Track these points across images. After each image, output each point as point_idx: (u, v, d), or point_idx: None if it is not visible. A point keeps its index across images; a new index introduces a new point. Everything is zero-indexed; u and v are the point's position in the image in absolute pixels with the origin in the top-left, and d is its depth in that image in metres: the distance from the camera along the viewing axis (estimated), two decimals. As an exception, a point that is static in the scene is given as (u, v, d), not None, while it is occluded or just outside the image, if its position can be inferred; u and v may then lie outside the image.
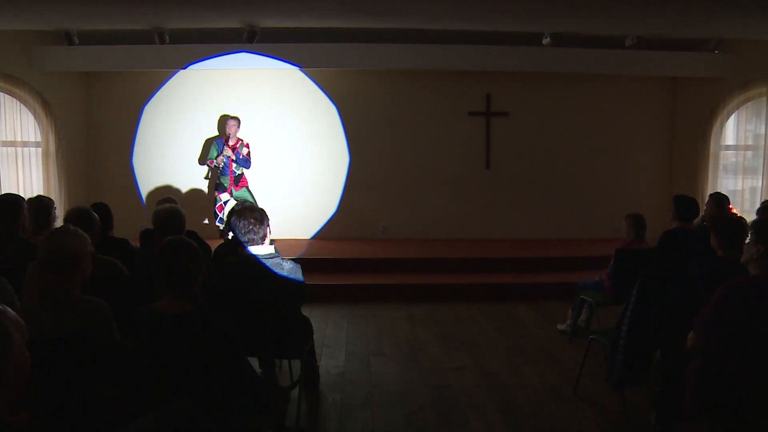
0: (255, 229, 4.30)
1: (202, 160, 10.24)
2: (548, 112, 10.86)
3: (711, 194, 6.65)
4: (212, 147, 9.66)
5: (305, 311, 4.91)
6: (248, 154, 9.69)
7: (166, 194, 10.07)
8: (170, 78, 10.45)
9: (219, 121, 10.42)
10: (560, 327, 6.96)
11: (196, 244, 3.13)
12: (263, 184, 10.42)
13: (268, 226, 4.40)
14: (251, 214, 4.34)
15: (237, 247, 4.52)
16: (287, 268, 4.36)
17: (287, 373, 5.46)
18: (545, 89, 10.80)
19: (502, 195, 10.86)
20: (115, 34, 9.35)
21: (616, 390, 4.55)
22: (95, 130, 10.59)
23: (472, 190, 10.84)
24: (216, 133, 10.49)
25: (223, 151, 9.59)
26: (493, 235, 10.85)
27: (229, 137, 9.69)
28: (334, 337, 6.84)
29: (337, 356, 6.20)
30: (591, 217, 10.87)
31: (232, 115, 10.05)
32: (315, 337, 5.07)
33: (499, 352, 6.33)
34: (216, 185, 9.73)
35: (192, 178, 10.57)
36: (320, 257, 9.16)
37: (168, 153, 10.55)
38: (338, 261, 9.09)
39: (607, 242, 9.44)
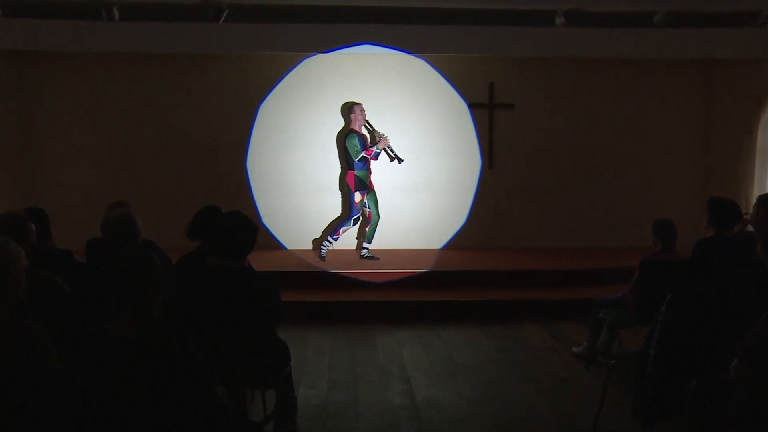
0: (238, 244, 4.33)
1: (345, 156, 9.92)
2: (561, 103, 10.83)
3: (759, 196, 6.60)
4: (354, 138, 9.62)
5: (282, 333, 4.86)
6: None
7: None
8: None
9: (344, 108, 10.39)
10: (576, 350, 6.95)
11: (157, 257, 3.11)
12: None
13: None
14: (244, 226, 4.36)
15: (203, 260, 4.45)
16: (261, 284, 4.35)
17: (260, 405, 5.38)
18: (558, 77, 10.78)
19: (507, 198, 10.84)
20: (51, 6, 9.07)
21: (644, 425, 4.50)
22: (32, 123, 10.46)
23: (472, 193, 10.79)
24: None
25: (381, 139, 9.70)
26: (497, 244, 10.81)
27: (358, 126, 9.81)
28: (314, 362, 6.81)
29: (318, 385, 6.18)
30: (611, 224, 10.85)
31: (356, 101, 10.10)
32: (292, 362, 5.01)
33: (505, 380, 6.32)
34: (355, 181, 9.63)
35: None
36: (304, 270, 9.10)
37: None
38: (319, 275, 9.07)
39: (630, 252, 9.41)
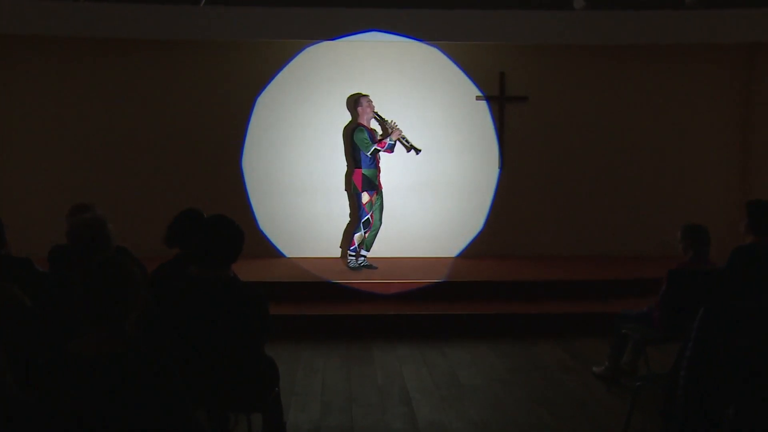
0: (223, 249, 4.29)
1: (352, 153, 9.89)
2: (580, 96, 10.77)
3: None
4: (362, 132, 9.61)
5: (270, 350, 4.82)
6: None
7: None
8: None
9: (350, 101, 10.37)
10: (596, 370, 6.92)
11: (135, 267, 3.11)
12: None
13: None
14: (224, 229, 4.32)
15: (183, 269, 4.41)
16: (247, 296, 4.32)
17: (245, 431, 5.31)
18: (576, 66, 10.73)
19: (518, 201, 10.80)
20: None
21: (674, 455, 4.44)
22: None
23: (479, 196, 10.77)
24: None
25: (394, 130, 9.71)
26: (507, 252, 10.79)
27: (366, 120, 9.82)
28: (305, 383, 6.81)
29: (309, 408, 6.18)
30: (636, 229, 10.80)
31: (363, 93, 10.10)
32: (281, 383, 5.01)
33: (517, 403, 6.32)
34: (363, 180, 9.63)
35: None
36: (291, 281, 9.12)
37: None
38: (312, 286, 9.06)
39: (657, 261, 9.40)
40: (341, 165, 10.50)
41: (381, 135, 9.87)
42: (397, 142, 9.78)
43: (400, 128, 9.79)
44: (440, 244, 10.74)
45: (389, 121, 9.85)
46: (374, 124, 9.94)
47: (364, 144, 9.49)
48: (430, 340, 8.13)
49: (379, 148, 9.55)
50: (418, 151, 9.88)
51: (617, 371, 6.61)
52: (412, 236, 10.67)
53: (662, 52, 10.67)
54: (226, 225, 4.35)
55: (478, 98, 10.63)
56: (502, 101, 10.71)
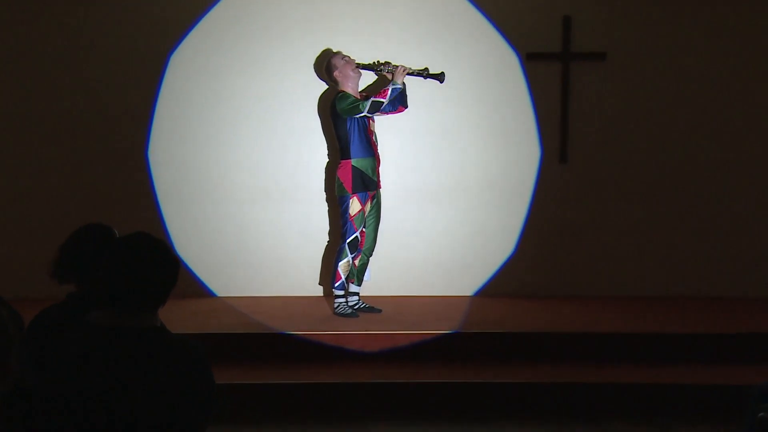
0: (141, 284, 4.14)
1: (336, 133, 9.90)
2: (686, 53, 10.80)
3: None
4: (347, 97, 9.61)
5: None
6: None
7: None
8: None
9: (319, 67, 10.52)
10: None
11: (3, 312, 3.06)
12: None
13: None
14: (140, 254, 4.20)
15: (79, 315, 4.32)
16: (181, 356, 4.16)
17: None
18: (682, 8, 10.73)
19: (588, 213, 10.87)
20: None
21: None
22: None
23: (526, 203, 10.78)
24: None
25: (395, 72, 9.73)
26: (571, 290, 10.87)
27: (351, 86, 9.96)
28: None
29: None
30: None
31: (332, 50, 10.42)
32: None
33: None
34: (353, 176, 9.59)
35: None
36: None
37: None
38: (276, 341, 9.10)
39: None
40: (303, 155, 10.62)
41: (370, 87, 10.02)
42: (405, 84, 9.75)
43: (402, 63, 9.72)
44: (460, 277, 10.84)
45: (383, 64, 9.82)
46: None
47: (353, 107, 9.50)
48: (457, 421, 8.25)
49: (380, 100, 9.49)
50: (441, 77, 9.81)
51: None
52: (420, 267, 10.78)
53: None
54: (152, 248, 4.22)
55: (530, 57, 10.67)
56: (567, 61, 10.72)
